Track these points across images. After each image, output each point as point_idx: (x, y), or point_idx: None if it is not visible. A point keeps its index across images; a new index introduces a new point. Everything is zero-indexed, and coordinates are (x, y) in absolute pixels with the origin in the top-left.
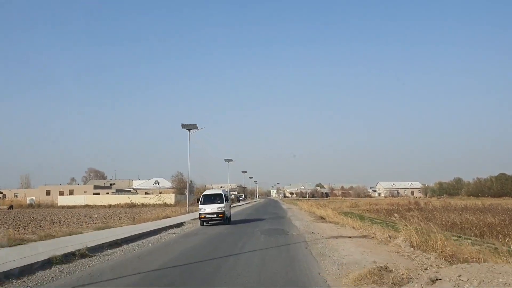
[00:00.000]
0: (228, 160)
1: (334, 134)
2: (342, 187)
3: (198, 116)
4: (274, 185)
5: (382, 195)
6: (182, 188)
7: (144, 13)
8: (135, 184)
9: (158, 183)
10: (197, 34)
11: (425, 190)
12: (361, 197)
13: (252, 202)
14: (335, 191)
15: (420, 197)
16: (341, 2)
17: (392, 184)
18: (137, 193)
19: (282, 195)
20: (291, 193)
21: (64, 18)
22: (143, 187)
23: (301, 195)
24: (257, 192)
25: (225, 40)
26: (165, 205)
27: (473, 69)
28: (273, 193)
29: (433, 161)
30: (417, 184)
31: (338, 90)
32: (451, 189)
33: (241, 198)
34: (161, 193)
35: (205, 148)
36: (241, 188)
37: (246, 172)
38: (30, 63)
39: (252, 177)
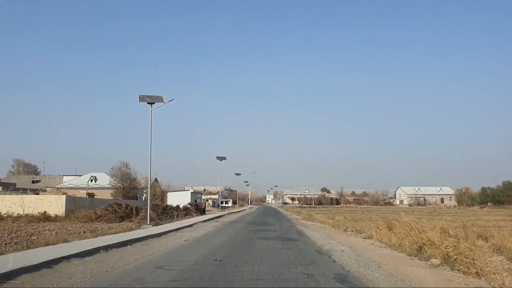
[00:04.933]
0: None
1: (341, 134)
2: (353, 192)
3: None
4: (271, 188)
5: (405, 202)
6: (127, 187)
7: (140, 17)
8: (66, 180)
9: (96, 180)
10: (194, 38)
11: (461, 197)
12: (380, 205)
13: (231, 213)
14: (346, 197)
15: (455, 206)
16: (342, 6)
17: (417, 190)
18: (26, 194)
19: (281, 201)
20: (292, 199)
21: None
22: (72, 185)
23: (305, 201)
24: (250, 196)
25: (225, 45)
26: (43, 217)
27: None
28: (269, 198)
29: (460, 165)
30: (447, 189)
31: (345, 90)
32: (500, 195)
33: (205, 207)
34: (93, 195)
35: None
36: (231, 192)
37: (224, 158)
38: None
39: (239, 174)
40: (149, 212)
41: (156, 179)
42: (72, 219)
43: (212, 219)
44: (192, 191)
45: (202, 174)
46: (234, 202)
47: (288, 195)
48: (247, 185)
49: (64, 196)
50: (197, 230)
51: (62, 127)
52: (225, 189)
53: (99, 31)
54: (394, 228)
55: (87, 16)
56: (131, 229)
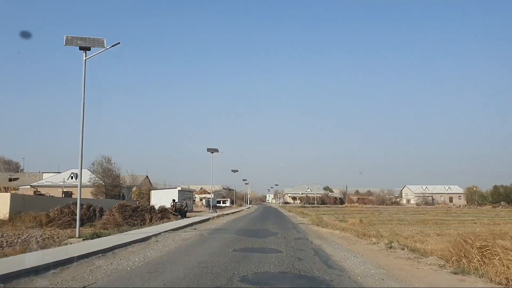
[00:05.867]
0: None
1: (343, 132)
2: (357, 191)
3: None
4: (271, 187)
5: (412, 201)
6: (110, 184)
7: (142, 17)
8: (45, 177)
9: (77, 177)
10: (192, 39)
11: (471, 196)
12: (387, 205)
13: (223, 215)
14: (350, 196)
15: (465, 205)
16: (341, 7)
17: (424, 188)
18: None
19: (282, 200)
20: (294, 199)
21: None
22: (50, 182)
23: (307, 201)
24: (249, 196)
25: (224, 45)
26: None
27: None
28: (270, 198)
29: (466, 163)
30: (456, 188)
31: (347, 88)
32: None
33: (187, 208)
34: (71, 194)
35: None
36: (229, 192)
37: (216, 151)
38: None
39: (236, 170)
40: (79, 218)
41: (147, 176)
42: (17, 223)
43: (192, 224)
44: (180, 188)
45: (201, 173)
46: (232, 202)
47: (289, 194)
48: (246, 183)
49: (9, 194)
50: (146, 250)
51: (47, 122)
52: (224, 188)
53: (95, 31)
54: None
55: (86, 16)
56: (43, 247)
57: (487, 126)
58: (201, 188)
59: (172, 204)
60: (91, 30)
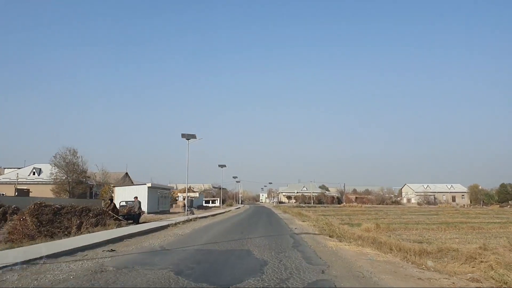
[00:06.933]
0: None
1: (340, 129)
2: (355, 190)
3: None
4: (265, 186)
5: (413, 200)
6: (74, 181)
7: (142, 17)
8: (6, 173)
9: (40, 173)
10: (192, 38)
11: (475, 195)
12: (387, 204)
13: (198, 219)
14: (349, 195)
15: (469, 204)
16: (346, 2)
17: (425, 187)
18: None
19: (276, 200)
20: (289, 198)
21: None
22: (8, 179)
23: (303, 200)
24: (241, 195)
25: (220, 44)
26: None
27: None
28: (263, 197)
29: (466, 162)
30: (459, 187)
31: (346, 84)
32: None
33: (141, 211)
34: (27, 192)
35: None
36: (220, 190)
37: (193, 137)
38: None
39: (224, 165)
40: None
41: (126, 173)
42: None
43: (124, 238)
44: (150, 185)
45: (194, 172)
46: (223, 201)
47: (284, 193)
48: (237, 181)
49: None
50: None
51: (14, 113)
52: (214, 187)
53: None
54: None
55: (88, 15)
56: None
57: (489, 124)
58: (189, 187)
59: (108, 203)
60: (91, 30)
